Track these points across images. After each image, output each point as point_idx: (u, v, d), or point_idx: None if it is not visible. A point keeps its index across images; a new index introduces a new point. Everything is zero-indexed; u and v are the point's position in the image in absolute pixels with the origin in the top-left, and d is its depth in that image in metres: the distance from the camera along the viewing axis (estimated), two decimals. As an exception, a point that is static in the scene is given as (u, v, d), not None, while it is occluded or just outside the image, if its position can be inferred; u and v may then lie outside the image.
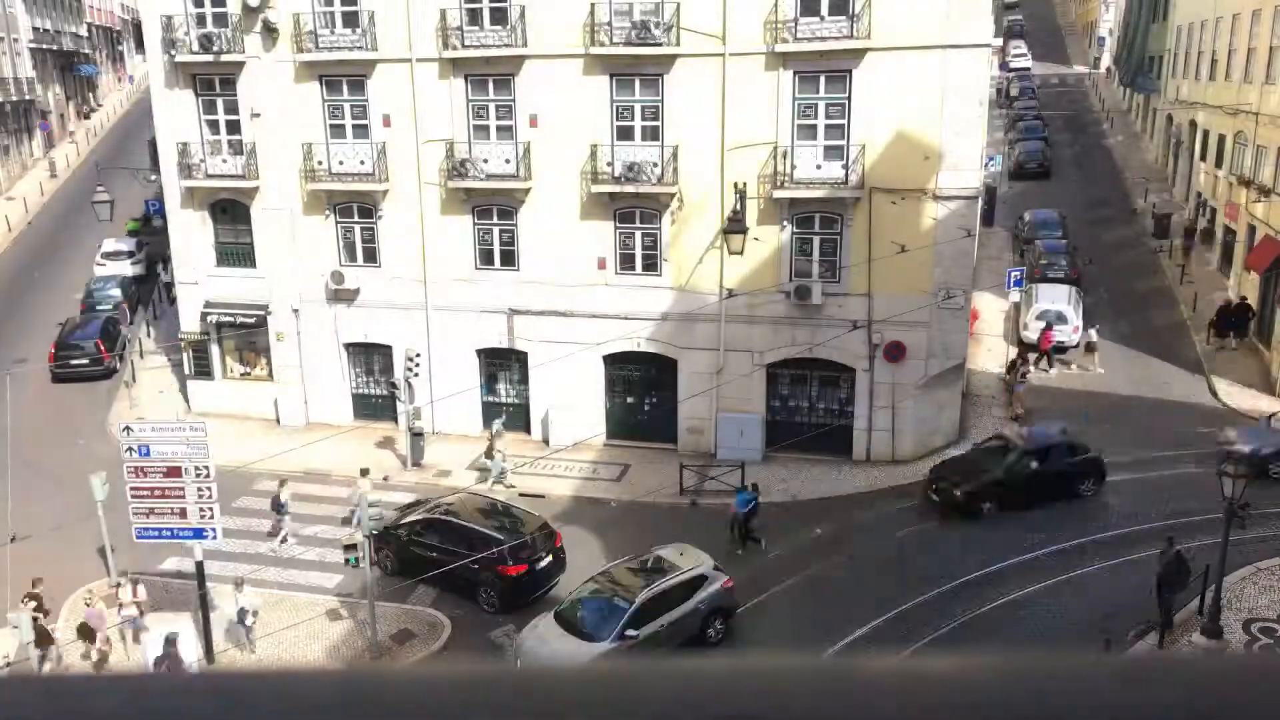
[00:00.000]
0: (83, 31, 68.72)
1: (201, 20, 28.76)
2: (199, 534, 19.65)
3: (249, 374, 31.94)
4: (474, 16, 27.11)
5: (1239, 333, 32.47)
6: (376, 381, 30.89)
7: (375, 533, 20.68)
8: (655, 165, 26.71)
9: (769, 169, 26.14)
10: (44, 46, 60.17)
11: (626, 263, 28.01)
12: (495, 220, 28.71)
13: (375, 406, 30.96)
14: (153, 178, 35.26)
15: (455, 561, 20.58)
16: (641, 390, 29.17)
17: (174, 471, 19.33)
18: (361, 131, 28.72)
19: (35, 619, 18.85)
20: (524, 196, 28.05)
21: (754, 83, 25.73)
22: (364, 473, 24.54)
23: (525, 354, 29.21)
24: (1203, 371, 31.66)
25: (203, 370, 31.87)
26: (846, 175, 25.76)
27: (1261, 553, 21.72)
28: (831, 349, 26.93)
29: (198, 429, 19.81)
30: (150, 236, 42.69)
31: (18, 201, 51.18)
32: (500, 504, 23.61)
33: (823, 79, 25.58)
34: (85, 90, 69.51)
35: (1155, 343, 33.93)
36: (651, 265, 27.83)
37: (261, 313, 30.57)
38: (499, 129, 27.85)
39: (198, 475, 19.35)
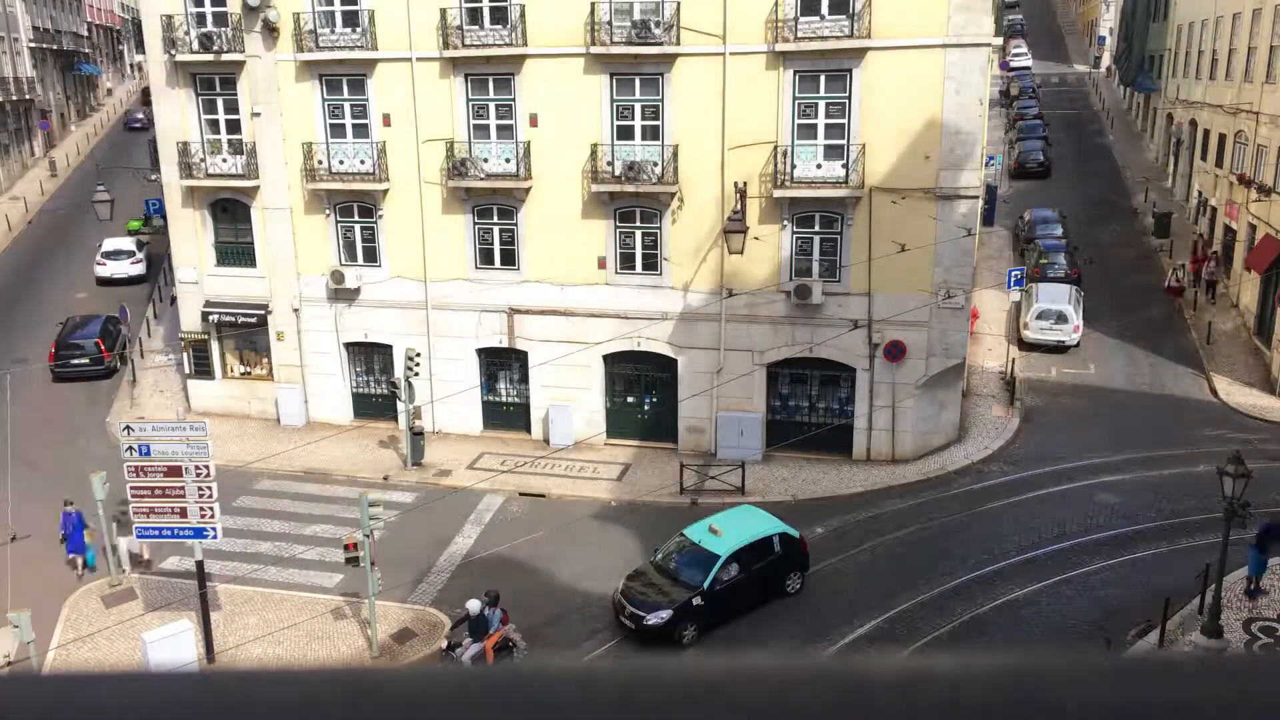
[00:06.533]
0: (83, 31, 68.73)
1: (201, 20, 28.76)
2: (199, 533, 19.65)
3: (249, 373, 31.94)
4: (474, 15, 27.10)
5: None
6: (377, 381, 30.90)
7: None
8: (655, 164, 26.71)
9: (769, 168, 26.14)
10: (44, 46, 60.18)
11: (626, 262, 28.01)
12: (495, 219, 28.71)
13: (375, 406, 30.96)
14: (153, 177, 35.28)
15: None
16: (642, 390, 29.17)
17: (174, 471, 19.33)
18: (361, 131, 28.72)
19: None
20: (524, 196, 28.05)
21: (754, 82, 25.73)
22: None
23: (525, 353, 29.21)
24: (1203, 369, 31.69)
25: (203, 369, 31.87)
26: (847, 175, 25.76)
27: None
28: (832, 348, 26.93)
29: (198, 428, 19.80)
30: (150, 236, 42.71)
31: (19, 201, 51.20)
32: None
33: (823, 78, 25.58)
34: (85, 90, 69.52)
35: (1154, 340, 33.95)
36: (651, 265, 27.83)
37: (262, 312, 30.57)
38: (499, 128, 27.85)
39: (198, 474, 19.35)
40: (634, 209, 27.61)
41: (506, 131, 27.79)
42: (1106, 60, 71.20)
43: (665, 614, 19.66)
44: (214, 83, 29.48)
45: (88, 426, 30.60)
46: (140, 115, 58.24)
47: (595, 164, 27.03)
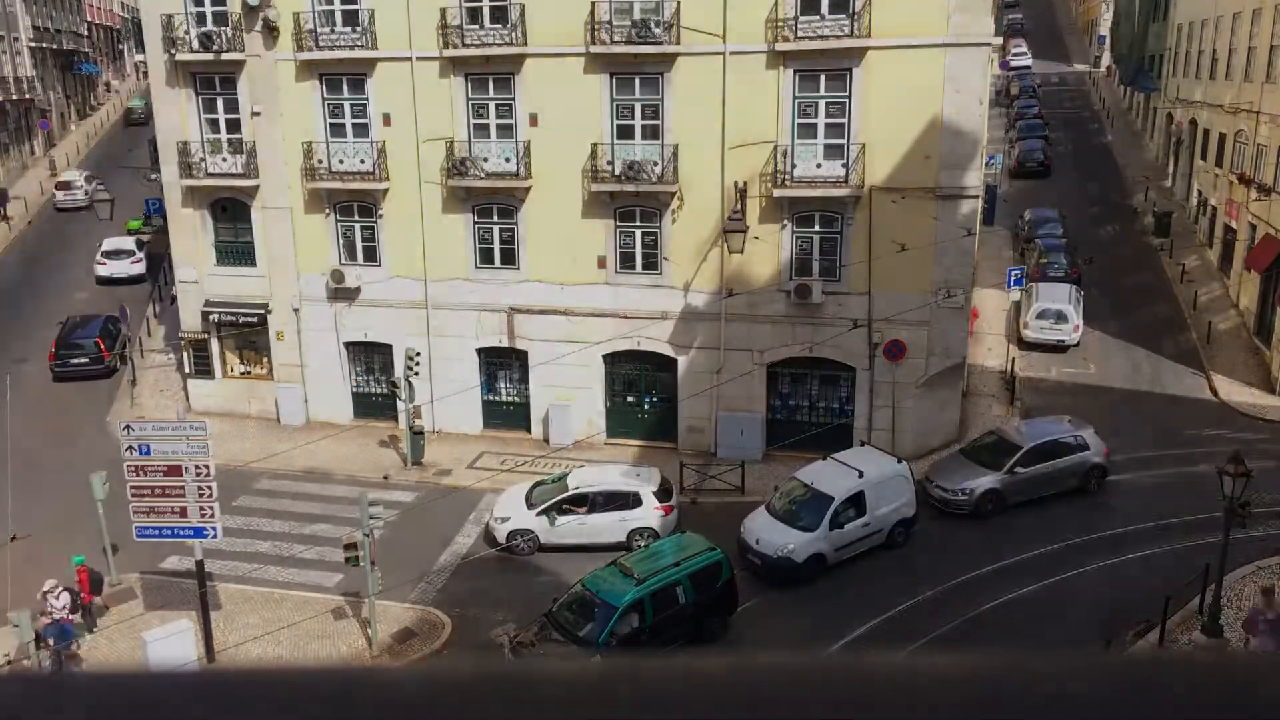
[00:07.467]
0: (83, 30, 68.73)
1: (201, 19, 28.76)
2: (199, 533, 19.66)
3: (249, 373, 31.95)
4: (474, 15, 27.10)
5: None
6: (377, 380, 30.90)
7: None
8: (655, 164, 26.70)
9: (769, 168, 26.14)
10: (44, 45, 60.17)
11: (627, 261, 28.00)
12: (495, 219, 28.71)
13: (375, 405, 30.96)
14: (153, 177, 35.27)
15: None
16: (642, 389, 29.17)
17: (174, 470, 19.33)
18: (361, 130, 28.72)
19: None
20: (524, 195, 28.05)
21: (754, 81, 25.72)
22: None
23: (525, 353, 29.21)
24: (1202, 369, 31.67)
25: (203, 369, 31.87)
26: (847, 174, 25.75)
27: (1261, 552, 21.74)
28: (832, 348, 26.93)
29: (198, 428, 19.81)
30: (150, 236, 42.68)
31: (18, 201, 51.14)
32: None
33: (823, 77, 25.58)
34: (85, 89, 69.51)
35: (1154, 339, 33.94)
36: (652, 264, 27.83)
37: (262, 311, 30.58)
38: (499, 127, 27.85)
39: (198, 474, 19.36)
40: (634, 208, 27.60)
41: (506, 131, 27.78)
42: (1106, 60, 71.18)
43: None
44: (214, 82, 29.48)
45: (88, 426, 30.59)
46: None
47: (595, 163, 27.03)
